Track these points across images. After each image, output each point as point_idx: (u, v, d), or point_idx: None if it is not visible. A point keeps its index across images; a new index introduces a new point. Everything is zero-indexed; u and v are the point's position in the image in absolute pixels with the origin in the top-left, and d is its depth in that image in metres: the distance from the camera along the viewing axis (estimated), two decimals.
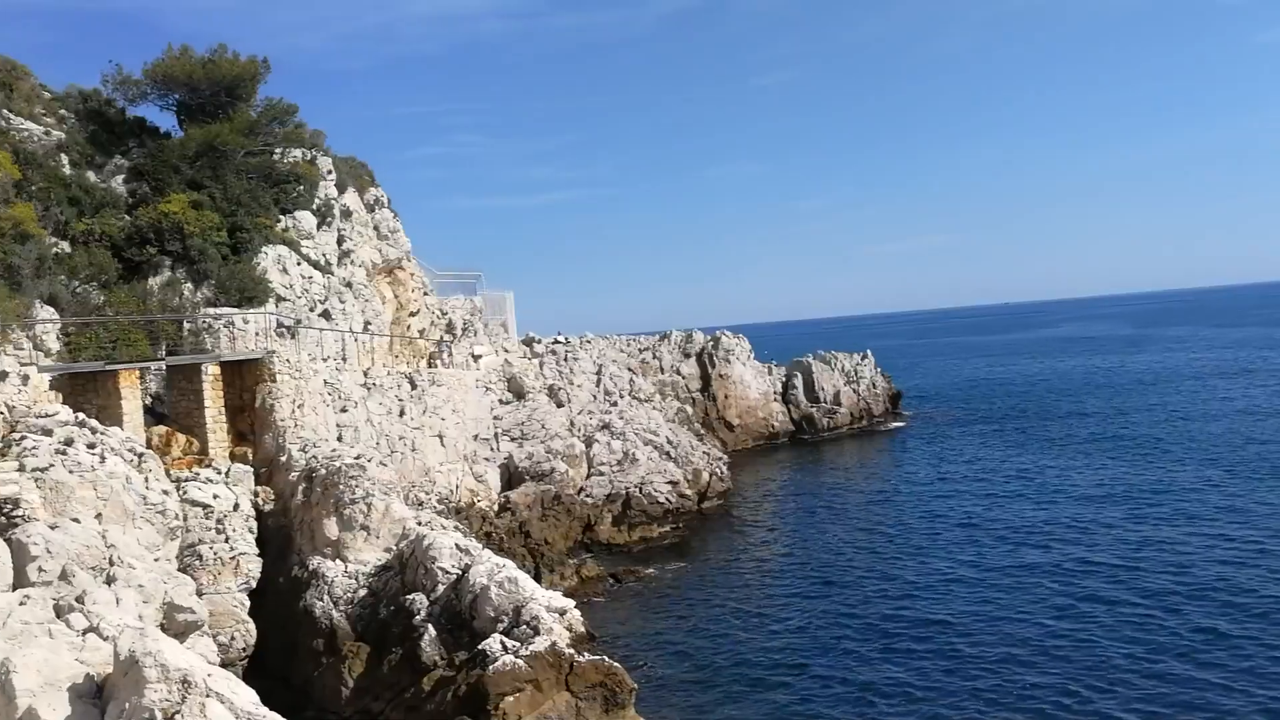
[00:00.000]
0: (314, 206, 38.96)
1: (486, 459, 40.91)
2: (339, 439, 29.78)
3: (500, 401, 47.25)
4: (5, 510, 16.13)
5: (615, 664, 19.38)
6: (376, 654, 21.20)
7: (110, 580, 15.92)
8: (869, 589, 31.33)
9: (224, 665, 19.23)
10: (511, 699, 18.18)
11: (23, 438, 19.00)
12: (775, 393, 69.86)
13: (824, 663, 25.28)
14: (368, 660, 21.19)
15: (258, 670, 21.64)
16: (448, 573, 21.65)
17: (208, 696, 10.15)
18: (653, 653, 26.63)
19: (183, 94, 38.57)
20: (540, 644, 18.99)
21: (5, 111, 33.17)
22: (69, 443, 19.08)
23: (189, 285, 31.42)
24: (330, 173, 41.31)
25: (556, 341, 58.71)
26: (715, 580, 33.79)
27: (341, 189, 42.08)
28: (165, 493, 20.82)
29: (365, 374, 33.39)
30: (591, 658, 19.29)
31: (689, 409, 60.51)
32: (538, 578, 29.95)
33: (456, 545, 22.41)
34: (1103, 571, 30.96)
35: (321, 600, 22.52)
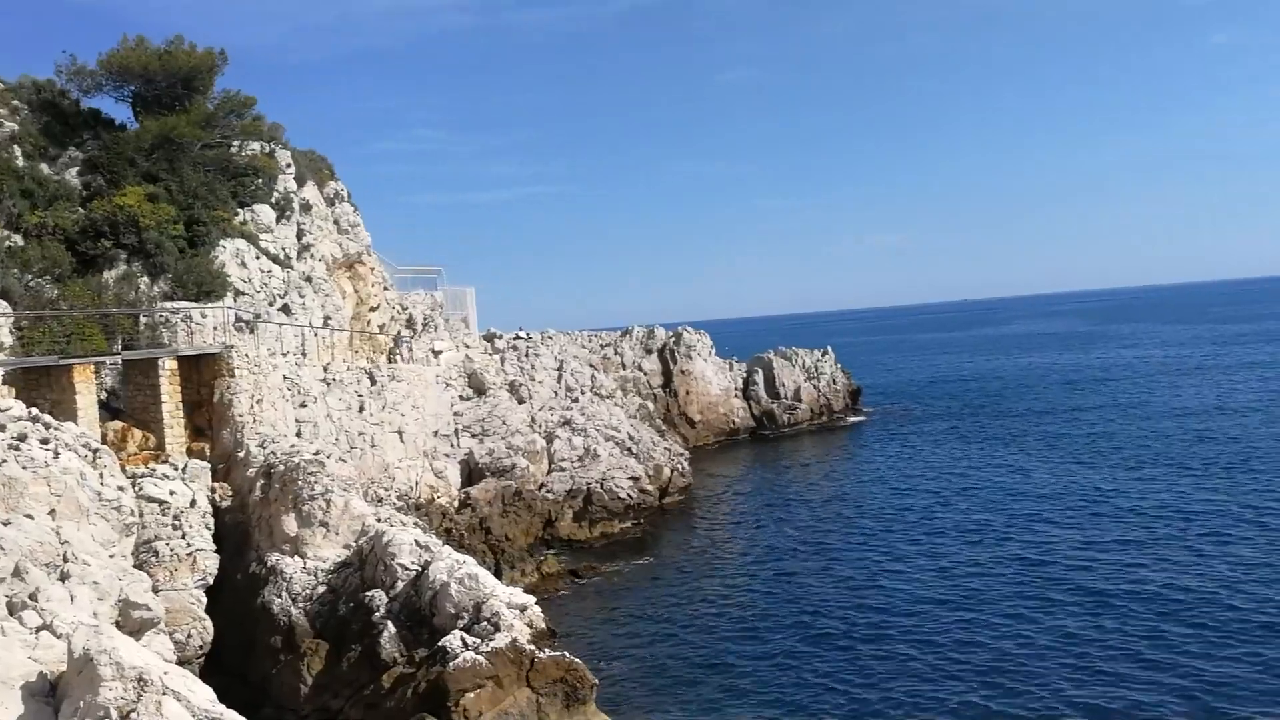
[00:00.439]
0: (273, 200, 38.59)
1: (447, 455, 40.74)
2: (298, 435, 29.54)
3: (461, 397, 47.08)
4: None
5: (576, 660, 19.39)
6: (335, 651, 21.06)
7: (64, 577, 15.72)
8: (828, 584, 31.57)
9: (180, 663, 19.03)
10: (472, 695, 18.14)
11: None
12: (736, 389, 70.13)
13: (783, 656, 25.45)
14: (326, 657, 21.04)
15: (215, 668, 21.43)
16: (407, 569, 21.55)
17: (164, 694, 10.06)
18: (614, 648, 26.69)
19: (138, 85, 38.04)
20: (501, 640, 18.95)
21: None
22: (22, 438, 18.78)
23: (145, 279, 31.03)
24: (289, 166, 40.92)
25: (518, 337, 58.55)
26: (676, 576, 33.90)
27: (301, 182, 41.70)
28: (121, 489, 20.56)
29: (325, 369, 33.15)
30: (552, 654, 19.28)
31: (650, 405, 60.61)
32: (498, 574, 29.92)
33: (416, 542, 22.31)
34: (1055, 567, 31.39)
35: (280, 597, 22.34)
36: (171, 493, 23.02)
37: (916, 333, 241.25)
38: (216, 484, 25.57)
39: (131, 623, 16.70)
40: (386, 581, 21.59)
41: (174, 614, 21.03)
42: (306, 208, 41.29)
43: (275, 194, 38.92)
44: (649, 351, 67.65)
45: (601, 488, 42.32)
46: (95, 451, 20.80)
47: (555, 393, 51.90)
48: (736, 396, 69.71)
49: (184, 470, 24.62)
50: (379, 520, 24.23)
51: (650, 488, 44.42)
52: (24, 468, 17.88)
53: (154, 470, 23.78)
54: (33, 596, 13.78)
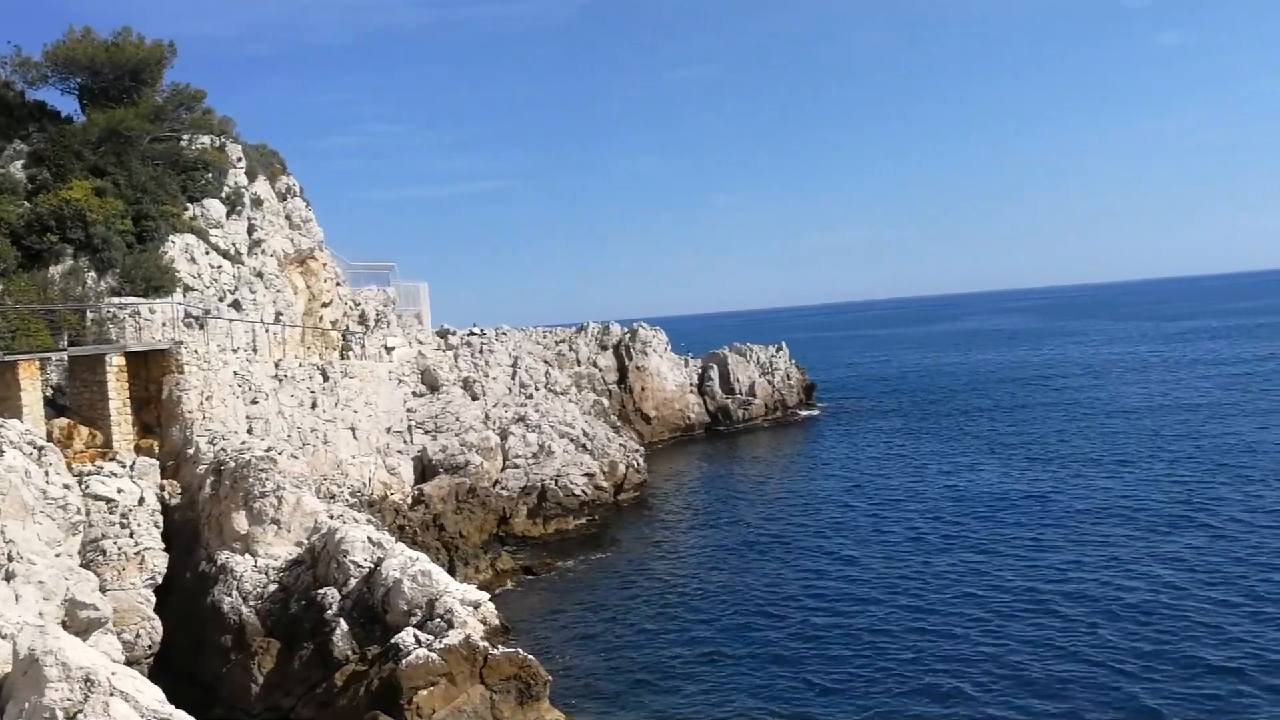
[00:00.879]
0: (223, 195, 38.16)
1: (400, 451, 40.56)
2: (249, 431, 29.29)
3: (414, 394, 46.86)
4: None
5: (530, 656, 19.44)
6: (287, 649, 20.95)
7: (9, 576, 15.52)
8: (781, 579, 31.82)
9: (129, 663, 18.84)
10: (425, 693, 18.14)
11: None
12: (692, 384, 70.37)
13: (736, 652, 25.62)
14: (278, 656, 20.92)
15: (164, 668, 21.23)
16: (360, 566, 21.48)
17: (111, 695, 9.99)
18: (568, 644, 26.74)
19: (85, 77, 37.48)
20: (454, 637, 18.96)
21: None
22: None
23: (92, 274, 30.59)
24: (240, 160, 40.49)
25: (472, 333, 58.37)
26: (630, 572, 34.01)
27: (252, 177, 41.27)
28: (67, 487, 20.31)
29: (276, 365, 32.88)
30: (506, 650, 19.31)
31: (605, 401, 60.66)
32: (452, 571, 29.85)
33: (369, 539, 22.23)
34: (1003, 560, 31.87)
35: (230, 596, 22.17)
36: (119, 490, 22.75)
37: (870, 328, 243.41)
38: (165, 481, 25.30)
39: (78, 623, 16.52)
40: (339, 579, 21.49)
41: (122, 613, 20.80)
42: (258, 203, 40.89)
43: (226, 189, 38.50)
44: (604, 348, 67.69)
45: (556, 484, 42.32)
46: (41, 449, 20.53)
47: (509, 389, 51.81)
48: (692, 392, 69.95)
49: (132, 468, 24.33)
50: (331, 517, 24.10)
51: (605, 484, 44.48)
52: None
53: (101, 468, 23.49)
54: None
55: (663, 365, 68.35)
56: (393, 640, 19.27)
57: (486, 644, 19.18)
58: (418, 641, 18.94)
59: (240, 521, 23.30)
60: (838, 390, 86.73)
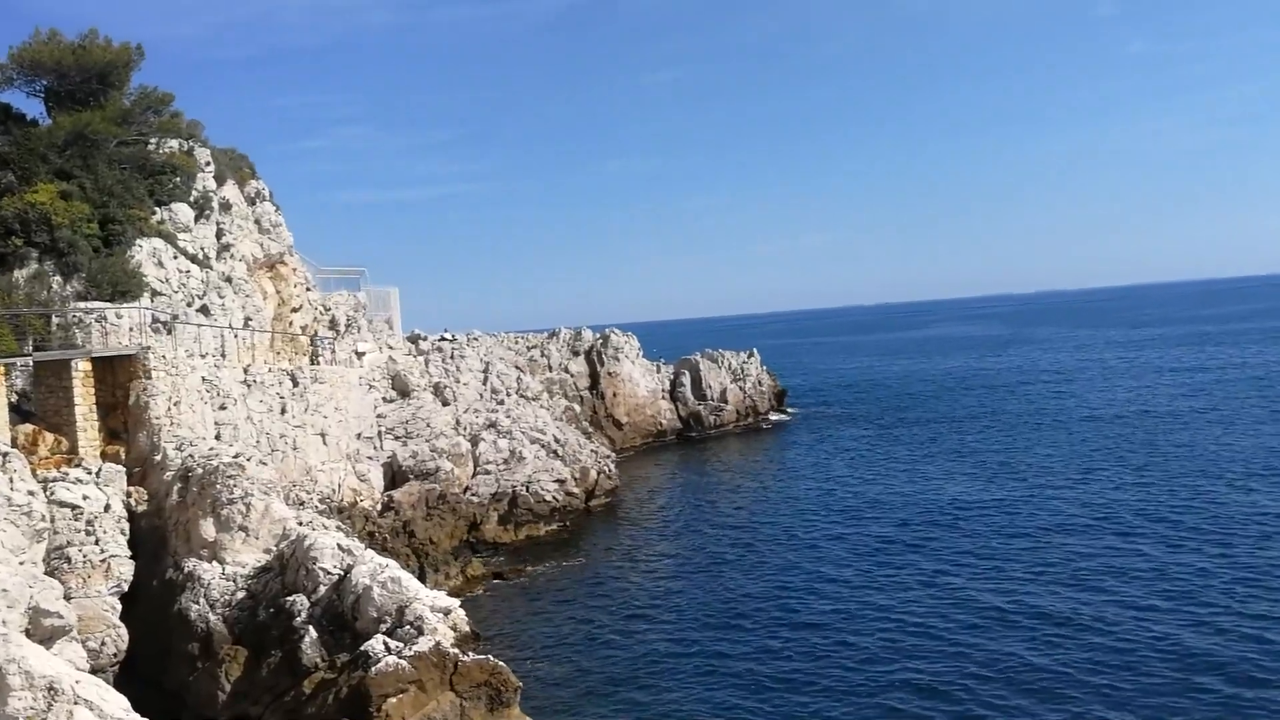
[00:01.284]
0: (191, 199, 37.88)
1: (370, 458, 40.36)
2: (217, 437, 29.05)
3: (384, 399, 46.63)
4: None
5: (500, 663, 19.37)
6: (255, 657, 20.77)
7: None
8: (750, 585, 31.89)
9: (94, 671, 18.64)
10: (394, 700, 18.03)
11: None
12: (663, 391, 70.42)
13: (706, 658, 25.65)
14: (245, 663, 20.75)
15: (130, 676, 21.02)
16: (329, 573, 21.33)
17: (75, 704, 9.89)
18: (538, 651, 26.68)
19: (51, 80, 37.13)
20: (424, 644, 18.86)
21: None
22: None
23: (57, 278, 30.27)
24: (209, 164, 40.21)
25: (442, 339, 58.19)
26: (601, 578, 33.98)
27: (220, 181, 41.00)
28: (31, 494, 20.08)
29: (245, 371, 32.64)
30: (476, 657, 19.23)
31: (577, 407, 60.58)
32: (422, 578, 29.70)
33: (338, 545, 22.09)
34: (970, 565, 32.09)
35: (197, 603, 21.96)
36: (85, 497, 22.49)
37: (841, 335, 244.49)
38: (132, 488, 25.04)
39: (42, 630, 16.34)
40: (308, 586, 21.34)
41: (87, 621, 20.59)
42: (226, 207, 40.61)
43: (194, 192, 38.23)
44: (576, 353, 67.64)
45: (527, 490, 42.24)
46: (5, 455, 20.29)
47: (480, 395, 51.67)
48: (664, 398, 70.00)
49: (98, 474, 24.07)
50: (300, 524, 23.94)
51: (576, 490, 44.43)
52: None
53: (66, 474, 23.22)
54: None
55: (635, 371, 68.37)
56: (362, 647, 19.15)
57: (457, 651, 19.09)
58: (387, 649, 18.84)
59: (208, 528, 23.10)
60: (808, 396, 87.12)
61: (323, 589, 21.13)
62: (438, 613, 20.07)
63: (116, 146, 35.89)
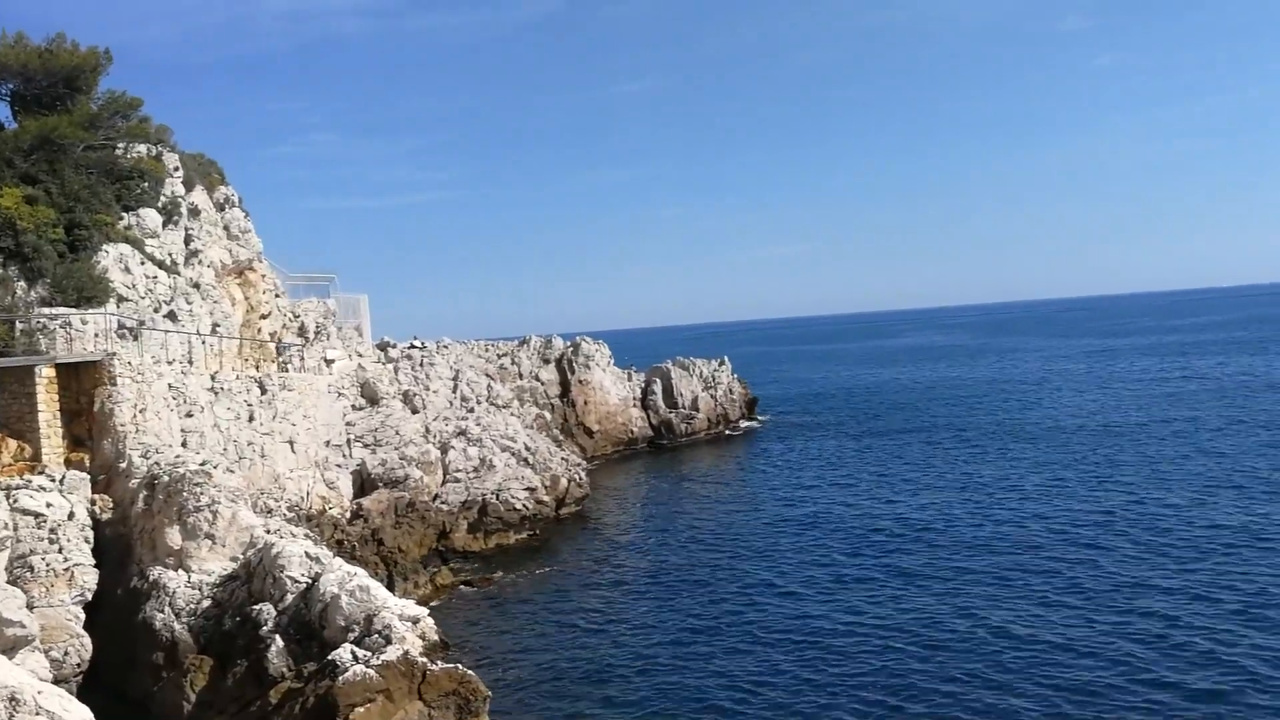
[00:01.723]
0: (159, 204, 37.57)
1: (339, 465, 40.12)
2: (184, 444, 28.80)
3: (353, 407, 46.38)
4: None
5: (469, 672, 19.28)
6: (221, 667, 20.59)
7: None
8: (720, 592, 31.95)
9: (57, 681, 18.45)
10: (362, 710, 17.90)
11: None
12: (635, 399, 70.45)
13: (677, 666, 25.67)
14: (211, 673, 20.56)
15: (93, 686, 20.80)
16: (297, 582, 21.18)
17: (37, 714, 9.78)
18: (508, 659, 26.62)
19: (16, 84, 36.72)
20: (392, 653, 18.74)
21: None
22: None
23: (22, 284, 29.91)
24: (177, 169, 39.90)
25: (413, 346, 57.99)
26: (571, 586, 33.94)
27: (189, 186, 40.70)
28: None
29: (213, 378, 32.38)
30: (445, 666, 19.13)
31: (548, 415, 60.51)
32: (391, 586, 29.58)
33: (306, 553, 21.94)
34: (935, 577, 32.29)
35: (162, 612, 21.76)
36: (48, 505, 22.25)
37: (812, 344, 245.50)
38: (96, 496, 24.79)
39: (4, 640, 16.15)
40: (275, 595, 21.18)
41: (50, 631, 20.36)
42: (195, 212, 40.32)
43: (162, 198, 37.92)
44: (546, 361, 67.56)
45: (497, 499, 42.13)
46: None
47: (450, 403, 51.50)
48: (635, 406, 70.03)
49: (62, 482, 23.81)
50: (268, 532, 23.76)
51: (547, 498, 44.37)
52: None
53: (29, 482, 22.96)
54: None
55: (606, 379, 68.37)
56: (329, 657, 19.01)
57: (425, 660, 18.98)
58: (355, 658, 18.71)
59: (174, 536, 22.89)
60: (779, 404, 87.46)
61: (290, 597, 20.98)
62: (406, 621, 19.96)
63: (83, 151, 35.55)
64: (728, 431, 72.99)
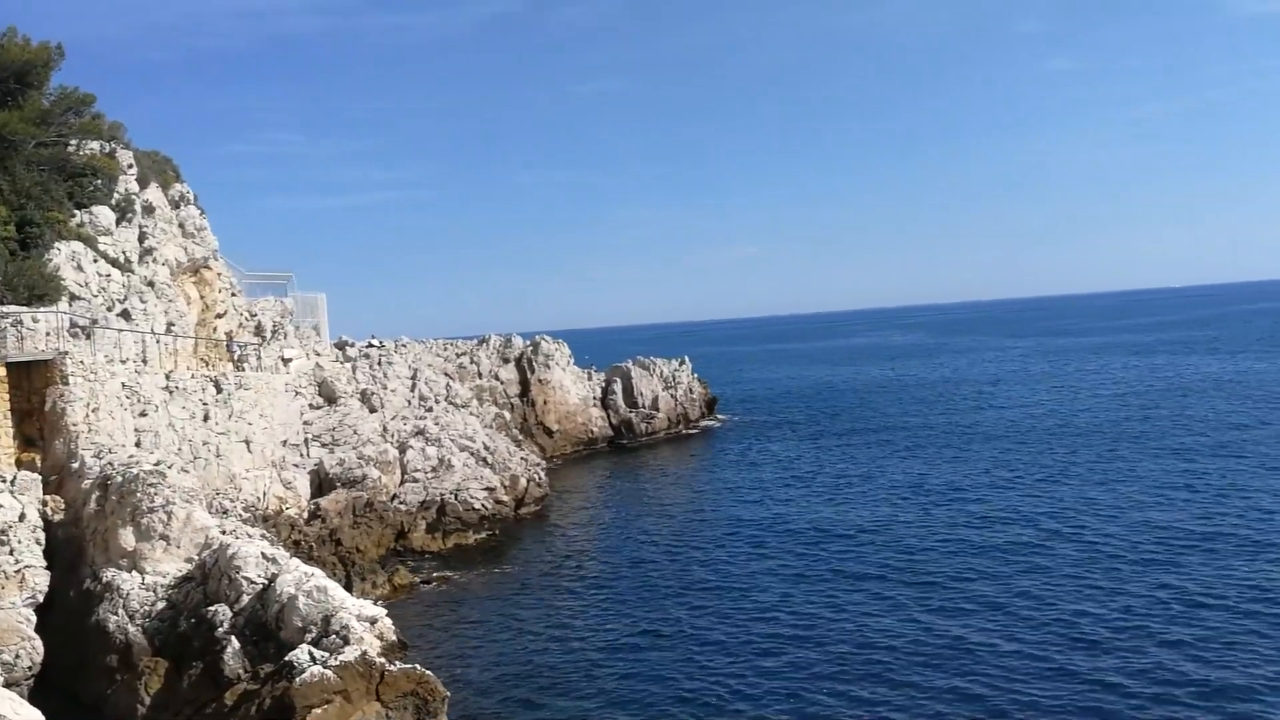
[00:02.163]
0: (113, 202, 37.11)
1: (296, 465, 39.82)
2: (137, 444, 28.49)
3: (311, 406, 46.05)
4: None
5: (427, 672, 19.26)
6: (176, 669, 20.42)
7: None
8: (679, 592, 32.05)
9: (8, 684, 18.23)
10: (319, 711, 17.84)
11: None
12: (595, 398, 70.44)
13: (635, 665, 25.74)
14: (166, 675, 20.39)
15: (45, 689, 20.57)
16: (253, 582, 21.05)
17: None
18: (466, 659, 26.57)
19: None
20: (350, 654, 18.68)
21: None
22: None
23: None
24: (131, 167, 39.42)
25: (370, 345, 57.65)
26: (530, 586, 33.91)
27: (143, 184, 40.22)
28: None
29: (167, 377, 32.05)
30: (403, 666, 19.11)
31: (507, 414, 60.39)
32: (349, 586, 29.39)
33: (262, 554, 21.80)
34: (895, 568, 32.63)
35: (116, 614, 21.54)
36: None
37: (771, 343, 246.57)
38: (48, 497, 24.48)
39: None
40: (231, 596, 21.04)
41: (0, 634, 20.10)
42: (149, 210, 39.86)
43: (115, 195, 37.46)
44: (506, 360, 67.39)
45: (455, 498, 42.00)
46: None
47: (409, 402, 51.27)
48: (595, 406, 70.02)
49: (12, 483, 23.49)
50: (223, 532, 23.58)
51: (506, 498, 44.28)
52: None
53: None
54: None
55: (565, 378, 68.30)
56: (286, 658, 18.92)
57: (383, 660, 18.94)
58: (312, 659, 18.63)
59: (127, 538, 22.66)
60: (739, 404, 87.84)
61: (246, 598, 20.85)
62: (364, 622, 19.90)
63: (35, 148, 35.04)
64: (688, 431, 73.18)
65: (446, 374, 59.19)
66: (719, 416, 78.91)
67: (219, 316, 43.27)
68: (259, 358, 41.55)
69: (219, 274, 44.36)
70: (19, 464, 24.94)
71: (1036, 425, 63.82)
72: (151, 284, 36.60)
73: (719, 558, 36.01)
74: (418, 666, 19.31)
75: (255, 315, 48.14)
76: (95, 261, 33.69)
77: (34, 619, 21.08)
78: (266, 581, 20.95)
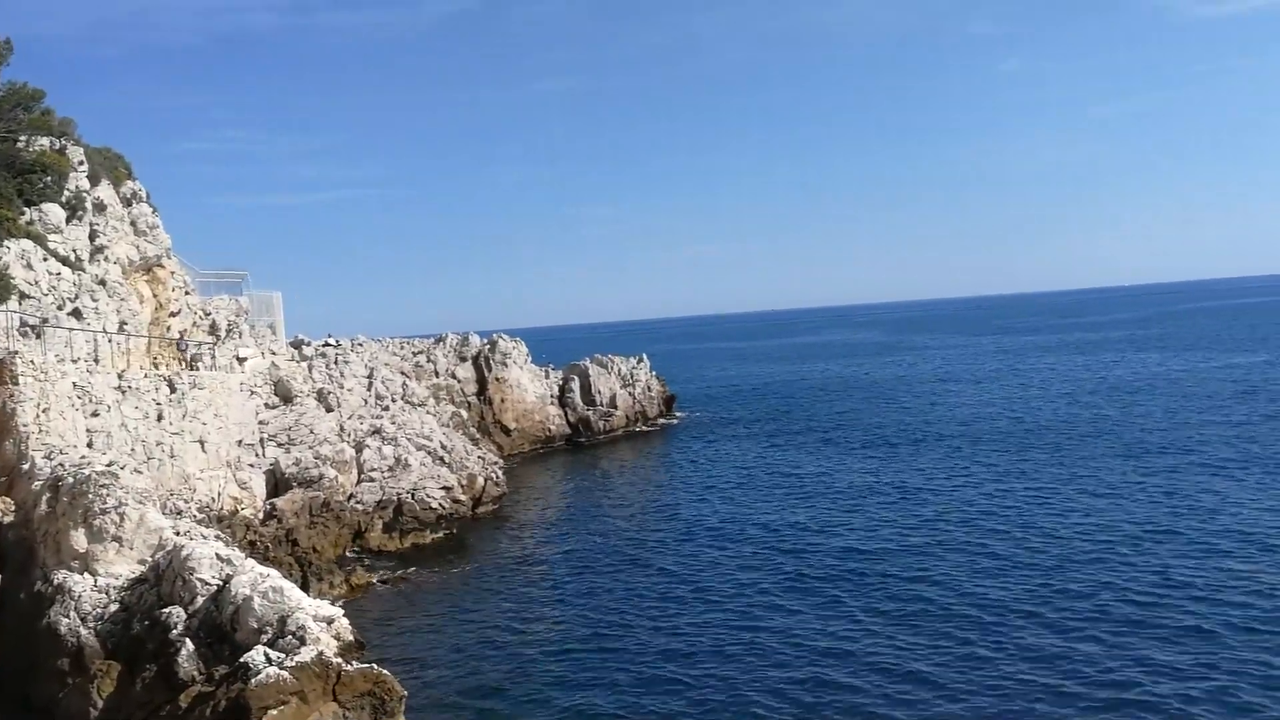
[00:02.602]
0: (63, 199, 36.60)
1: (251, 465, 39.49)
2: (89, 445, 28.17)
3: (266, 405, 45.69)
4: None
5: (384, 671, 19.22)
6: (129, 671, 20.22)
7: None
8: (635, 591, 32.20)
9: None
10: (275, 712, 17.76)
11: None
12: (553, 396, 70.41)
13: (591, 664, 25.86)
14: (119, 678, 20.18)
15: None
16: (207, 584, 20.89)
17: None
18: (424, 659, 26.56)
19: None
20: (306, 654, 18.60)
21: None
22: None
23: None
24: (82, 164, 38.88)
25: (326, 344, 57.31)
26: (488, 585, 33.93)
27: (94, 181, 39.70)
28: None
29: (120, 376, 31.69)
30: (360, 666, 19.04)
31: (464, 413, 60.23)
32: (305, 587, 29.28)
33: (217, 555, 21.64)
34: (846, 569, 32.97)
35: (67, 617, 21.28)
36: None
37: (730, 341, 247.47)
38: None
39: None
40: (185, 597, 20.87)
41: None
42: (100, 208, 39.35)
43: (66, 193, 36.95)
44: (463, 359, 67.19)
45: (413, 498, 41.86)
46: None
47: (365, 401, 51.01)
48: (553, 404, 69.99)
49: None
50: (177, 533, 23.37)
51: (463, 497, 44.20)
52: None
53: None
54: None
55: (523, 377, 68.22)
56: (242, 659, 18.80)
57: (340, 660, 18.87)
58: (268, 660, 18.53)
59: (79, 539, 22.41)
60: (697, 401, 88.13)
61: (200, 600, 20.69)
62: (321, 622, 19.82)
63: None
64: (646, 429, 73.35)
65: (403, 373, 58.94)
66: (677, 414, 79.13)
67: (173, 315, 42.81)
68: (214, 357, 41.16)
69: (172, 272, 43.88)
70: None
71: (988, 425, 64.59)
72: (103, 282, 36.16)
73: (675, 557, 36.19)
74: (375, 666, 19.27)
75: (210, 314, 47.67)
76: (45, 260, 33.24)
77: None
78: (221, 583, 20.79)
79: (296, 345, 56.04)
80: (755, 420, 75.23)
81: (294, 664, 18.28)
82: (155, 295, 41.70)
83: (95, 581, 21.94)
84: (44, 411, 26.25)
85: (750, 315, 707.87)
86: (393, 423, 47.76)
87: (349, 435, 45.52)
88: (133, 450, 30.53)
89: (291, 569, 31.92)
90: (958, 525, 37.54)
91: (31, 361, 26.28)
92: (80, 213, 37.40)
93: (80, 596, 21.55)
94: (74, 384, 28.54)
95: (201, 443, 35.18)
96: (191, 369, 38.05)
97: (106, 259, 37.98)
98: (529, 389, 68.33)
